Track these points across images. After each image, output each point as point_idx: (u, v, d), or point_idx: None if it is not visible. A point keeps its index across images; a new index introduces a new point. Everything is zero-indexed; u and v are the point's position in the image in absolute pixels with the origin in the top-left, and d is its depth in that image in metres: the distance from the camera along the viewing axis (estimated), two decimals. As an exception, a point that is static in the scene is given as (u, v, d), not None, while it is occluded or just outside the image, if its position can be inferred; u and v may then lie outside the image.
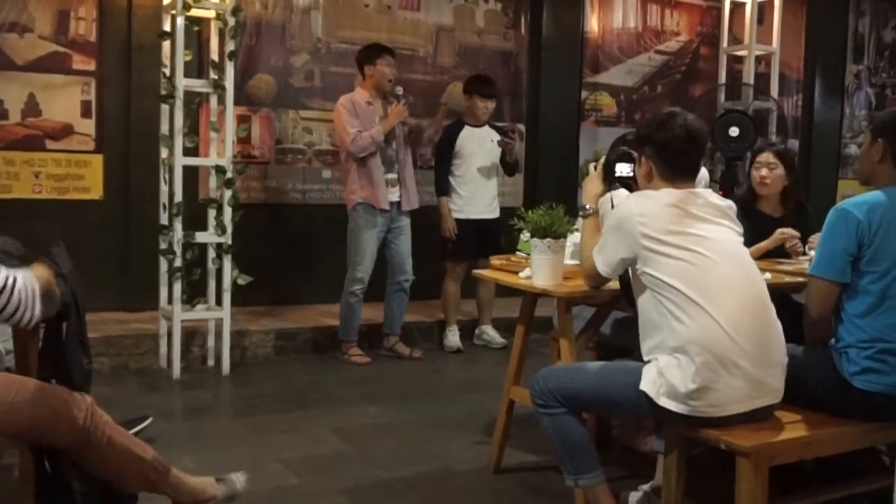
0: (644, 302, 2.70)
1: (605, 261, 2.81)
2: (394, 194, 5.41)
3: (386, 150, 5.35)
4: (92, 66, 5.65)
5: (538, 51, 7.06)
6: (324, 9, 6.29)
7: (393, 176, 5.40)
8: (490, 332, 5.91)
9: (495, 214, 5.81)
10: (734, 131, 6.78)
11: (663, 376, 2.57)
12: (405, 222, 5.50)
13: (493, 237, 5.56)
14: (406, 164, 5.49)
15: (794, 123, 8.14)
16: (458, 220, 5.70)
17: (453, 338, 5.78)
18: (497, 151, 5.76)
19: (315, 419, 4.22)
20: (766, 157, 4.11)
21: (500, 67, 6.92)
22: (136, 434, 3.48)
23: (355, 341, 5.43)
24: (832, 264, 2.76)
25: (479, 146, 5.74)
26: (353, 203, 5.32)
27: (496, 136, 5.76)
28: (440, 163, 5.78)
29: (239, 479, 2.85)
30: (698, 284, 2.58)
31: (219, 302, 5.04)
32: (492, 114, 5.86)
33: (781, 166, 4.07)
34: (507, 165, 5.81)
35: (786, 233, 3.96)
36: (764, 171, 4.09)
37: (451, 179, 5.73)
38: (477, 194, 5.75)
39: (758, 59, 7.42)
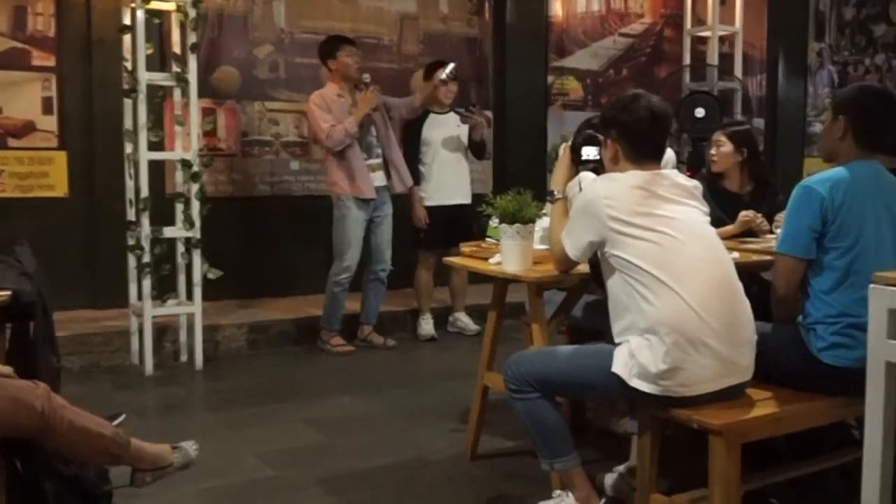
0: (613, 284, 2.71)
1: (573, 244, 2.81)
2: (377, 179, 5.40)
3: (365, 137, 5.34)
4: (52, 62, 5.58)
5: (503, 36, 7.06)
6: (286, -1, 6.26)
7: (375, 161, 5.41)
8: (464, 319, 5.91)
9: (467, 200, 5.79)
10: (700, 112, 6.82)
11: (634, 357, 2.59)
12: (388, 211, 5.50)
13: (464, 224, 5.52)
14: (391, 146, 5.48)
15: (758, 103, 8.19)
16: (428, 208, 5.69)
17: (427, 326, 5.78)
18: (465, 136, 5.75)
19: (290, 411, 4.21)
20: (716, 135, 4.25)
21: (466, 54, 6.91)
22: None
23: (337, 331, 5.42)
24: (797, 241, 2.78)
25: (445, 132, 5.73)
26: (337, 193, 5.30)
27: (461, 122, 5.76)
28: (408, 152, 5.75)
29: (191, 447, 2.87)
30: (666, 265, 2.59)
31: (189, 297, 5.00)
32: (456, 98, 5.84)
33: (729, 144, 4.17)
34: (475, 146, 5.78)
35: (748, 215, 4.02)
36: (713, 150, 4.23)
37: (420, 168, 5.72)
38: (446, 180, 5.73)
39: (721, 39, 7.45)
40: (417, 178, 5.69)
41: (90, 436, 2.56)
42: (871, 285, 2.13)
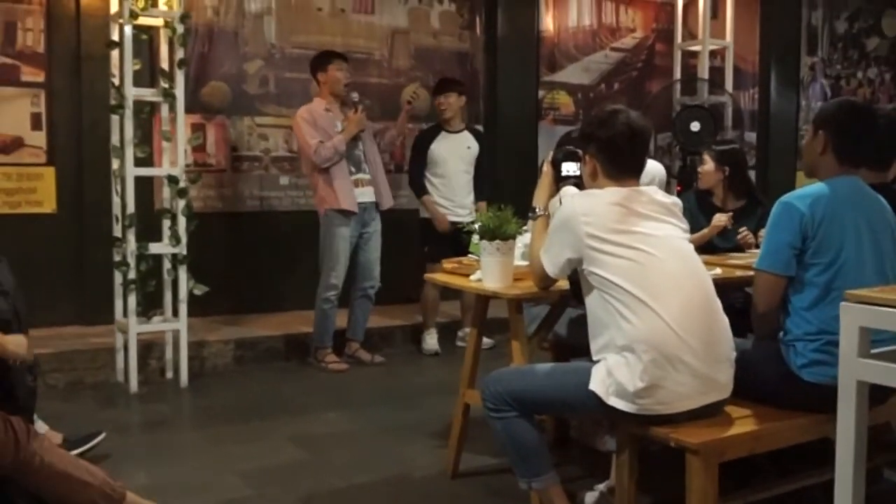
0: (592, 301, 2.69)
1: (551, 261, 2.80)
2: (366, 194, 5.38)
3: (353, 151, 5.33)
4: (41, 78, 5.57)
5: (494, 51, 7.06)
6: (276, 14, 6.25)
7: (364, 175, 5.39)
8: None
9: (472, 217, 5.77)
10: (695, 126, 6.81)
11: (612, 375, 2.57)
12: (377, 227, 5.47)
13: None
14: (376, 163, 5.48)
15: (750, 117, 8.19)
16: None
17: (431, 341, 5.75)
18: (474, 155, 5.77)
19: (274, 429, 4.17)
20: (703, 153, 4.40)
21: (457, 68, 6.90)
22: (89, 450, 3.47)
23: (330, 347, 5.39)
24: (777, 258, 2.76)
25: (455, 150, 5.73)
26: (324, 209, 5.29)
27: (473, 143, 5.78)
28: (414, 166, 5.76)
29: None
30: (644, 283, 2.57)
31: (175, 313, 4.98)
32: (464, 115, 5.88)
33: (711, 162, 4.31)
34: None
35: (721, 219, 4.15)
36: (699, 168, 4.40)
37: (426, 183, 5.72)
38: (454, 197, 5.73)
39: (713, 53, 7.47)
40: (426, 188, 5.71)
41: (73, 482, 2.48)
42: (843, 303, 2.11)
